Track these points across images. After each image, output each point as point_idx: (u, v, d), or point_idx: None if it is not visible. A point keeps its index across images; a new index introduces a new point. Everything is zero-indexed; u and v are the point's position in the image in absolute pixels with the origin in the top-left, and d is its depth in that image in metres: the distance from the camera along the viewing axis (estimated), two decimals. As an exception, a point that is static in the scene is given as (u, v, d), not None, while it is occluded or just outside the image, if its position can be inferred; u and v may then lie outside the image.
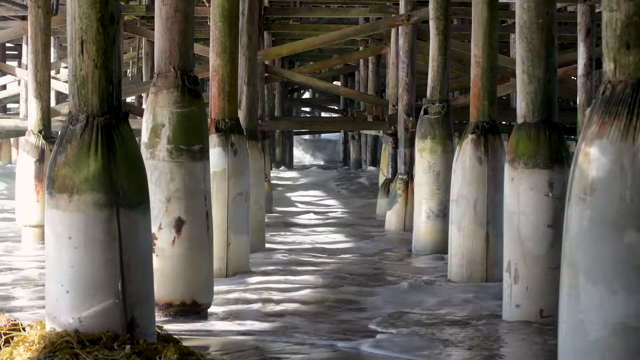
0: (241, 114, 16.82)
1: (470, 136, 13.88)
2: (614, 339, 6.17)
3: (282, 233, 19.78)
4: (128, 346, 7.36)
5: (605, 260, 6.20)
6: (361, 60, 33.14)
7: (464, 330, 10.63)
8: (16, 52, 37.62)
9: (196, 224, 10.63)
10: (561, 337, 6.48)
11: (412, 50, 19.68)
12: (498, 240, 12.44)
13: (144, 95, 27.10)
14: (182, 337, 8.76)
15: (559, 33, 17.22)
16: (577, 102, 20.18)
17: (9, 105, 41.06)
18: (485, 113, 13.93)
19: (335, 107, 45.45)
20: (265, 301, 12.17)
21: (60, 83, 25.38)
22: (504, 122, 22.49)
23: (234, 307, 11.69)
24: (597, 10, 19.41)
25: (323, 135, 52.09)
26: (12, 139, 37.82)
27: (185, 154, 10.57)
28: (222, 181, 13.81)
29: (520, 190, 10.38)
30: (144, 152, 10.42)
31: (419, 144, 17.16)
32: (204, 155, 10.74)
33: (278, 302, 12.18)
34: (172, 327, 9.34)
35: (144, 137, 10.69)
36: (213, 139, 13.64)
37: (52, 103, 23.45)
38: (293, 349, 9.69)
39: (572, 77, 23.16)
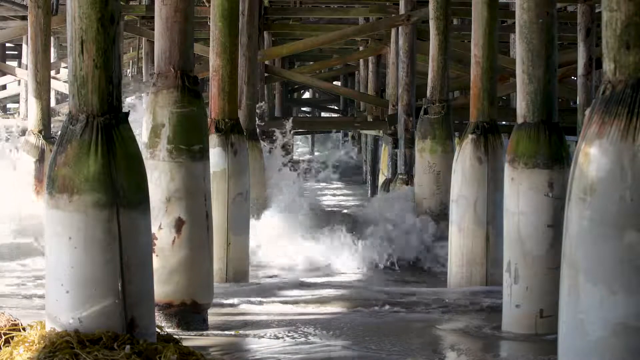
0: (241, 114, 16.82)
1: (470, 136, 13.88)
2: (614, 339, 6.17)
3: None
4: (128, 346, 7.36)
5: (605, 260, 6.19)
6: (361, 60, 33.10)
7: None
8: (16, 52, 37.59)
9: (196, 224, 10.62)
10: (561, 337, 6.48)
11: (412, 50, 19.68)
12: (498, 240, 12.44)
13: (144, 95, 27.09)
14: (182, 337, 8.76)
15: (559, 33, 17.19)
16: (577, 102, 20.19)
17: (9, 105, 41.04)
18: (485, 113, 13.93)
19: (335, 107, 45.42)
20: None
21: (60, 83, 25.39)
22: (504, 122, 22.48)
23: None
24: (597, 10, 19.41)
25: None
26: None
27: (185, 154, 10.56)
28: (222, 181, 13.80)
29: (520, 190, 10.37)
30: (144, 152, 10.41)
31: (419, 144, 17.17)
32: (204, 155, 10.73)
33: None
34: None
35: (144, 137, 10.68)
36: (213, 139, 13.63)
37: (52, 103, 23.46)
38: (293, 349, 9.69)
39: (572, 77, 23.17)
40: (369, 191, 31.10)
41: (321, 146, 51.16)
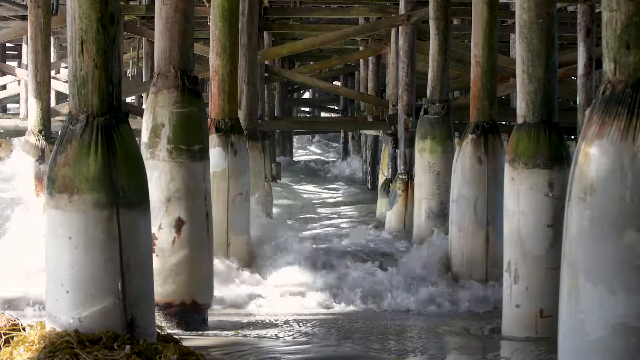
0: (241, 114, 16.82)
1: (470, 136, 13.88)
2: (614, 339, 6.17)
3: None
4: (128, 346, 7.36)
5: (605, 260, 6.20)
6: (361, 60, 33.10)
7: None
8: (16, 52, 37.57)
9: (196, 224, 10.63)
10: (561, 337, 6.48)
11: (412, 50, 19.68)
12: (498, 240, 12.44)
13: (144, 95, 27.09)
14: (182, 337, 8.76)
15: (559, 33, 17.15)
16: (577, 102, 20.18)
17: (9, 105, 41.02)
18: (485, 113, 13.93)
19: (335, 107, 45.41)
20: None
21: (60, 83, 25.36)
22: (504, 122, 22.48)
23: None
24: (597, 10, 19.40)
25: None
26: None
27: (185, 154, 10.57)
28: (222, 181, 13.80)
29: (520, 190, 10.37)
30: (144, 152, 10.42)
31: (419, 144, 17.16)
32: (204, 155, 10.74)
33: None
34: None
35: (144, 137, 10.68)
36: (213, 139, 13.63)
37: (52, 103, 23.45)
38: (293, 349, 9.68)
39: (572, 77, 23.16)
40: (369, 186, 31.17)
41: (320, 146, 51.23)
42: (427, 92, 17.20)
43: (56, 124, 20.07)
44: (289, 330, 10.61)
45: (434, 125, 16.91)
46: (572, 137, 21.12)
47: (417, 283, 13.61)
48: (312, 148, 51.05)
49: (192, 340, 9.39)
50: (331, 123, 36.46)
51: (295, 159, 44.58)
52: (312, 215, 25.00)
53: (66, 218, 7.58)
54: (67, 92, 8.47)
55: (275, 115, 32.06)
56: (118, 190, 7.61)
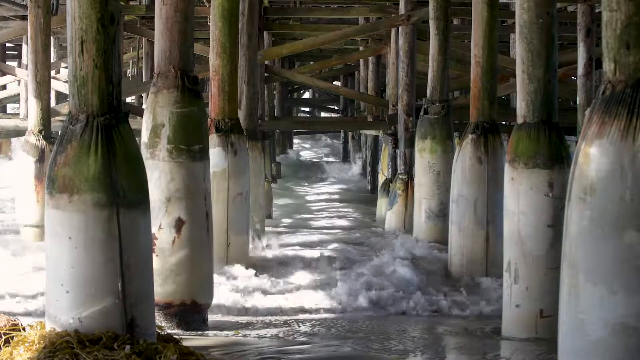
0: (241, 114, 16.82)
1: (470, 136, 13.88)
2: (614, 339, 6.17)
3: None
4: (128, 346, 7.36)
5: (605, 260, 6.20)
6: (361, 60, 33.09)
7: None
8: (16, 52, 37.57)
9: (196, 224, 10.62)
10: (561, 337, 6.48)
11: (412, 50, 19.67)
12: (498, 240, 12.44)
13: (144, 95, 27.09)
14: (182, 337, 8.76)
15: (559, 33, 17.13)
16: (577, 102, 20.18)
17: (9, 105, 41.02)
18: (485, 113, 13.93)
19: (335, 107, 45.41)
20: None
21: (60, 83, 25.36)
22: (504, 122, 22.48)
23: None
24: (597, 10, 19.41)
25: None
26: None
27: (185, 154, 10.57)
28: (222, 181, 13.80)
29: (520, 190, 10.36)
30: (144, 152, 10.42)
31: (419, 144, 17.16)
32: (204, 155, 10.74)
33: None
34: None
35: (144, 137, 10.68)
36: (213, 139, 13.63)
37: (52, 103, 23.44)
38: (293, 349, 9.69)
39: (572, 77, 23.16)
40: (369, 187, 31.19)
41: (320, 146, 51.28)
42: (427, 92, 17.21)
43: (56, 124, 20.06)
44: (289, 330, 10.61)
45: (434, 125, 16.91)
46: (572, 137, 21.12)
47: (416, 283, 13.62)
48: (312, 148, 51.06)
49: (192, 340, 9.39)
50: (331, 123, 36.45)
51: (295, 158, 44.61)
52: (312, 215, 25.00)
53: (66, 218, 7.59)
54: (67, 92, 8.47)
55: (275, 115, 32.05)
56: (118, 190, 7.61)
